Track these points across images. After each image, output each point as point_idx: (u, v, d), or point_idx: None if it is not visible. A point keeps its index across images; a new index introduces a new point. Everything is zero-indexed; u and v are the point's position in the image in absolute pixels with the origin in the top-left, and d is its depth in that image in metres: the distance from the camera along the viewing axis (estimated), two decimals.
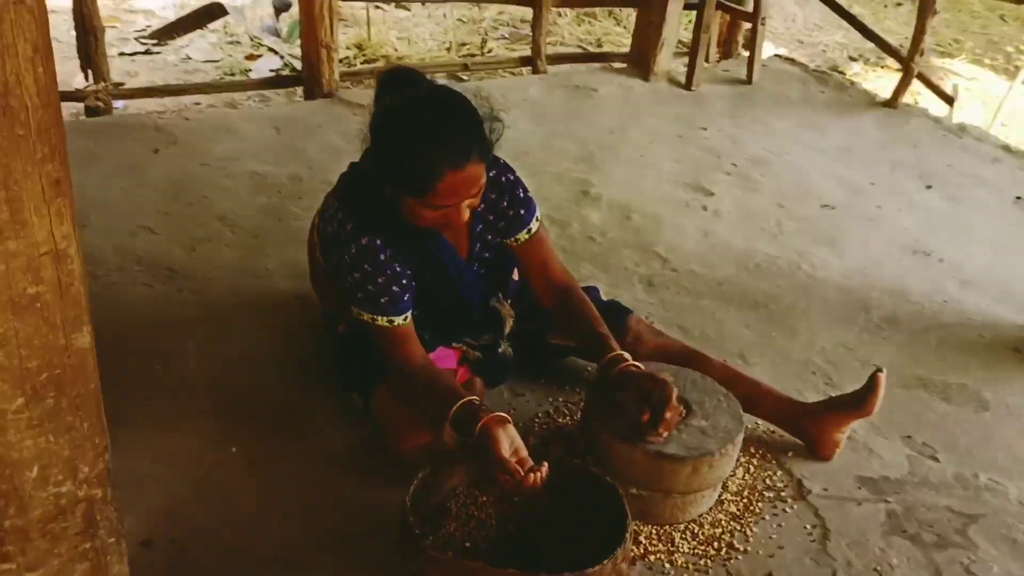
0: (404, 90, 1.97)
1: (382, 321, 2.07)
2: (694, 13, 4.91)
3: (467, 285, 2.27)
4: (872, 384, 2.23)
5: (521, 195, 2.23)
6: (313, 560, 1.94)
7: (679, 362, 2.36)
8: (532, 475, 1.82)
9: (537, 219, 2.27)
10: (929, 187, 3.98)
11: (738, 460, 2.28)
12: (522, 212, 2.23)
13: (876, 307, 3.04)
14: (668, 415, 1.97)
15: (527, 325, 2.46)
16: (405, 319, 2.09)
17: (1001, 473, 2.35)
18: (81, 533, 1.29)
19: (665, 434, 2.00)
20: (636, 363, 2.09)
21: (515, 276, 2.48)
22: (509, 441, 1.87)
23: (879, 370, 2.25)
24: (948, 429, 2.50)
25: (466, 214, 1.98)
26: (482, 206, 2.18)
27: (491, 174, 2.18)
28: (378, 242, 2.03)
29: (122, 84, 4.42)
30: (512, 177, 2.23)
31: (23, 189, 1.06)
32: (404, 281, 2.08)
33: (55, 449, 1.21)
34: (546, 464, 1.86)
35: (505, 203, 2.22)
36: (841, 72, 7.34)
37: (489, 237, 2.26)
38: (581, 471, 1.98)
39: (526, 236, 2.25)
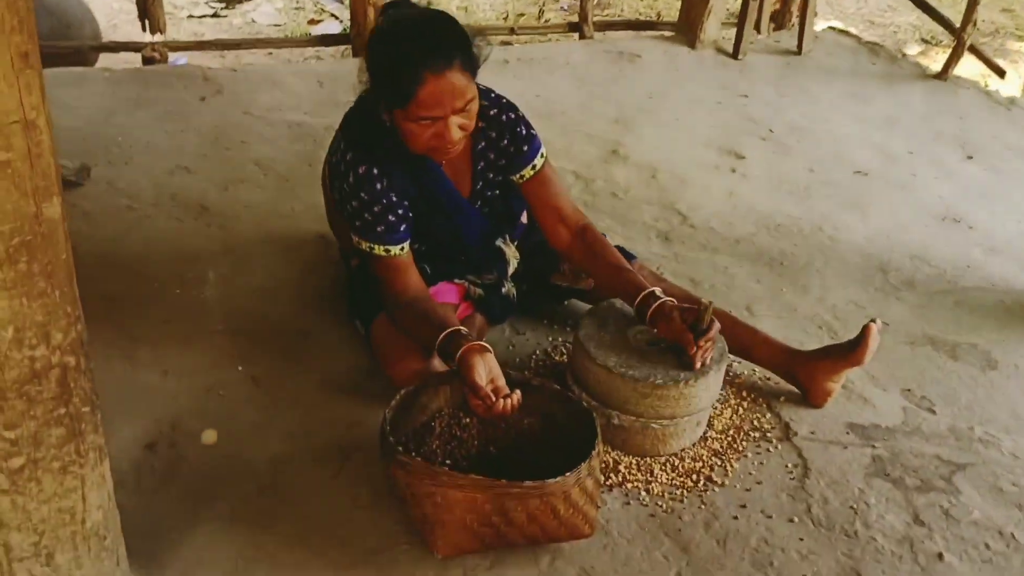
0: (394, 12, 2.05)
1: (379, 250, 2.15)
2: None
3: (467, 222, 2.33)
4: (863, 333, 2.24)
5: (523, 132, 2.28)
6: (306, 472, 2.04)
7: None
8: (502, 401, 1.89)
9: (542, 155, 2.31)
10: (970, 157, 3.90)
11: (726, 400, 2.31)
12: (524, 148, 2.28)
13: (895, 269, 3.02)
14: (709, 337, 2.06)
15: (530, 265, 2.52)
16: (402, 249, 2.17)
17: (999, 428, 2.34)
18: (56, 398, 1.39)
19: (707, 358, 2.08)
20: (670, 297, 2.15)
21: (523, 219, 2.54)
22: (486, 369, 1.94)
23: (872, 320, 2.25)
24: (951, 385, 2.49)
25: (456, 133, 2.01)
26: (483, 144, 2.24)
27: (492, 113, 2.24)
28: (375, 171, 2.11)
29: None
30: (514, 116, 2.28)
31: None
32: (400, 212, 2.15)
33: (28, 313, 1.30)
34: (518, 392, 1.92)
35: (506, 141, 2.27)
36: (904, 54, 7.19)
37: (491, 175, 2.32)
38: (559, 396, 2.03)
39: (531, 172, 2.30)
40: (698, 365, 2.08)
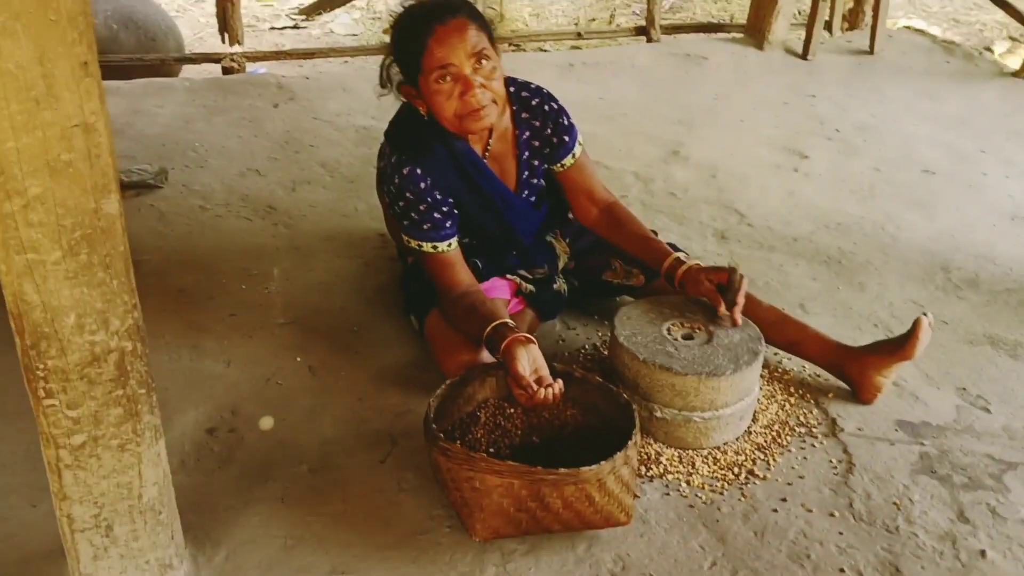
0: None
1: (427, 247, 2.24)
2: None
3: (516, 213, 2.40)
4: (914, 327, 2.22)
5: (565, 122, 2.35)
6: (355, 455, 2.12)
7: None
8: (544, 391, 1.95)
9: (580, 144, 2.40)
10: None
11: (772, 396, 2.32)
12: (566, 139, 2.36)
13: (958, 268, 2.97)
14: (739, 297, 2.17)
15: (582, 263, 2.57)
16: (449, 245, 2.25)
17: None
18: (114, 380, 1.50)
19: (737, 317, 2.19)
20: (697, 260, 2.25)
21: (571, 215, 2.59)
22: (530, 360, 2.00)
23: (924, 314, 2.23)
24: (1008, 384, 2.44)
25: (482, 93, 2.08)
26: (528, 132, 2.31)
27: (534, 103, 2.33)
28: (418, 171, 2.19)
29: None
30: (556, 105, 2.35)
31: (56, 67, 1.27)
32: (445, 209, 2.23)
33: (89, 300, 1.41)
34: (559, 381, 1.98)
35: (549, 130, 2.34)
36: (990, 51, 7.00)
37: (536, 163, 2.38)
38: (602, 388, 2.07)
39: (571, 161, 2.39)
40: (732, 322, 2.17)
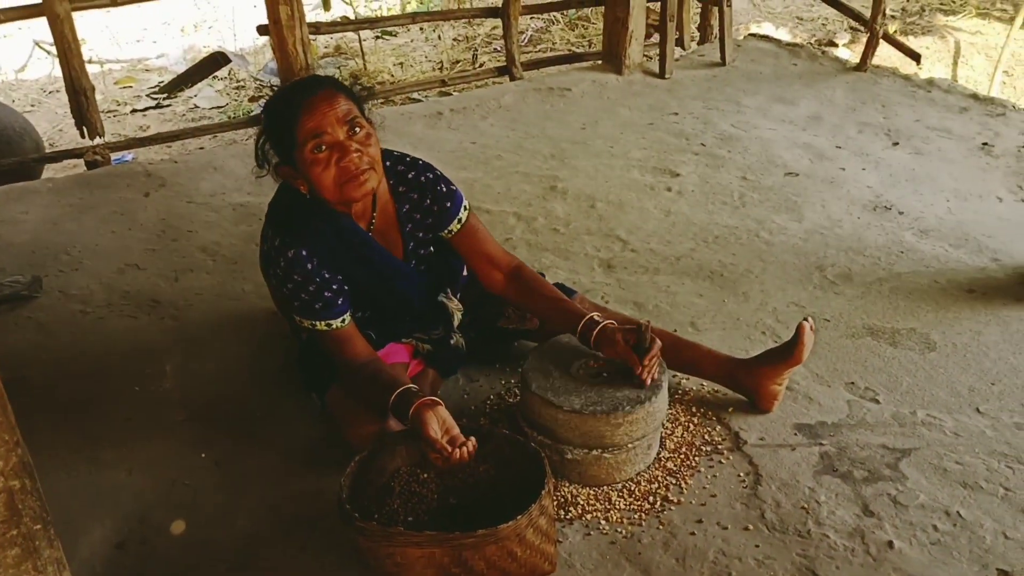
0: None
1: (321, 326, 2.23)
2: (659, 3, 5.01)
3: (406, 282, 2.41)
4: (798, 333, 2.32)
5: (443, 190, 2.36)
6: (274, 546, 2.09)
7: None
8: (458, 450, 1.97)
9: (466, 208, 2.40)
10: (896, 144, 4.02)
11: (676, 419, 2.38)
12: (448, 205, 2.37)
13: (831, 265, 3.11)
14: (653, 354, 2.18)
15: (477, 314, 2.60)
16: (343, 321, 2.24)
17: (940, 408, 2.41)
18: (6, 521, 1.45)
19: (655, 374, 2.20)
20: (611, 320, 2.26)
21: (465, 272, 2.62)
22: (439, 421, 2.01)
23: (805, 319, 2.34)
24: (892, 372, 2.57)
25: (359, 158, 2.10)
26: (407, 206, 2.33)
27: (411, 176, 2.34)
28: (303, 252, 2.18)
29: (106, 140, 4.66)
30: (432, 175, 2.36)
31: None
32: (335, 286, 2.22)
33: None
34: (472, 439, 2.00)
35: (428, 200, 2.35)
36: (835, 44, 7.38)
37: (420, 234, 2.40)
38: (510, 440, 2.10)
39: (458, 226, 2.39)
40: (648, 382, 2.17)
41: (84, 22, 7.59)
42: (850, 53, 7.00)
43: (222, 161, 4.12)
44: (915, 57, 4.81)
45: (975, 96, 4.46)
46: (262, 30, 4.56)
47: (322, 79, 2.18)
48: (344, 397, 2.31)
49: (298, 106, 2.08)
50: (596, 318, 2.26)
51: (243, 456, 2.37)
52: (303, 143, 2.08)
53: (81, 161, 4.39)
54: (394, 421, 2.21)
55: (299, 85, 2.16)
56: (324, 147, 2.09)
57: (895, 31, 7.36)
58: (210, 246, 3.41)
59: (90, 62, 7.65)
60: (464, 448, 1.98)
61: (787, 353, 2.35)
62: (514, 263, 2.43)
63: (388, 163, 2.31)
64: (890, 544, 1.98)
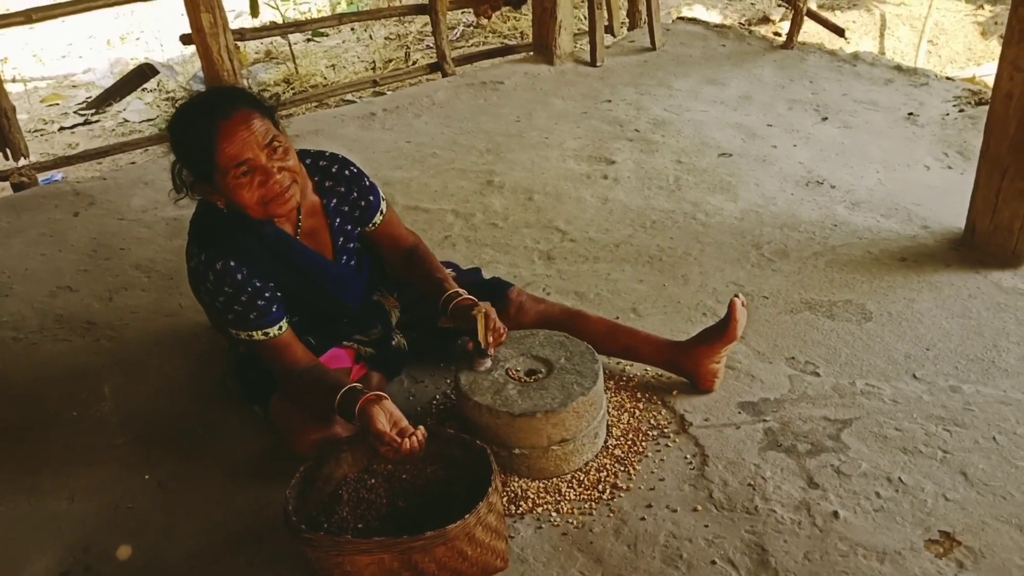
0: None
1: (258, 335, 2.20)
2: None
3: (340, 283, 2.39)
4: (730, 309, 2.34)
5: (367, 183, 2.39)
6: (222, 563, 2.06)
7: (560, 324, 2.48)
8: (407, 440, 1.96)
9: (383, 199, 2.44)
10: (825, 119, 4.08)
11: (622, 405, 2.39)
12: (371, 199, 2.39)
13: (767, 242, 3.15)
14: (490, 337, 2.24)
15: (416, 315, 2.59)
16: (280, 329, 2.21)
17: (878, 377, 2.45)
18: None
19: (491, 352, 2.26)
20: (468, 296, 2.32)
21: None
22: (386, 415, 2.01)
23: (736, 295, 2.36)
24: (831, 344, 2.60)
25: (282, 176, 2.08)
26: (334, 200, 2.32)
27: (334, 170, 2.34)
28: (231, 263, 2.15)
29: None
30: (355, 169, 2.37)
31: None
32: (268, 294, 2.19)
33: None
34: (421, 427, 2.00)
35: (355, 193, 2.36)
36: (771, 21, 7.46)
37: (348, 227, 2.39)
38: (455, 439, 2.09)
39: (380, 219, 2.43)
40: (490, 349, 2.25)
41: (4, 40, 7.42)
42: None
43: (153, 175, 4.04)
44: (839, 32, 4.89)
45: (899, 67, 4.54)
46: (186, 39, 4.49)
47: (232, 96, 2.10)
48: (287, 406, 2.28)
49: (214, 132, 2.01)
50: (459, 292, 2.35)
51: (187, 474, 2.33)
52: (225, 170, 2.04)
53: (7, 184, 4.28)
54: (340, 427, 2.19)
55: (209, 105, 2.06)
56: (247, 172, 2.06)
57: (821, 6, 7.47)
58: (144, 263, 3.35)
59: (12, 80, 7.53)
60: (414, 438, 1.98)
61: (721, 331, 2.37)
62: (411, 243, 2.52)
63: (308, 161, 2.30)
64: (835, 514, 2.01)
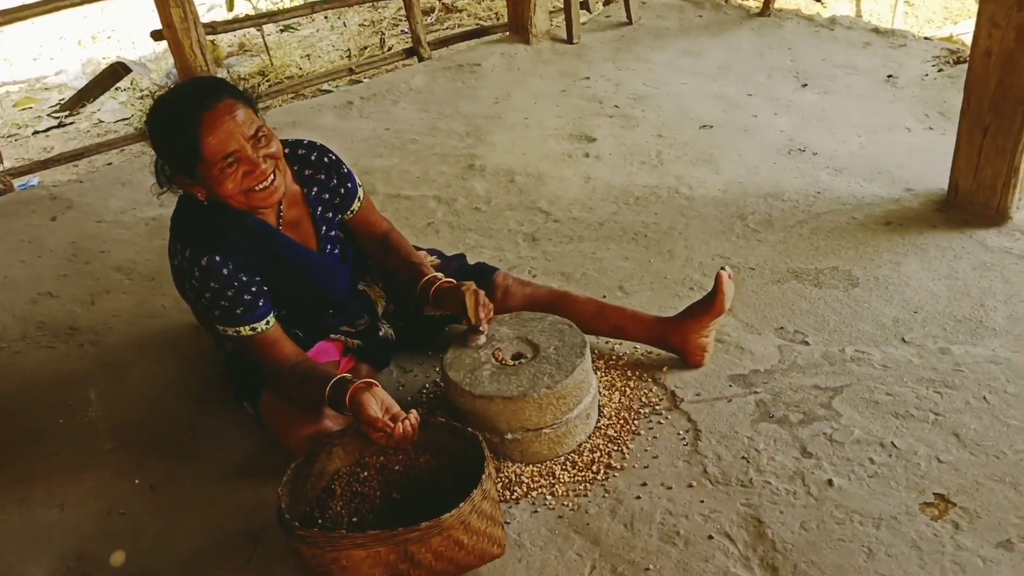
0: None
1: (245, 331, 2.18)
2: None
3: (325, 273, 2.38)
4: (716, 282, 2.33)
5: (345, 170, 2.39)
6: (218, 564, 2.04)
7: (547, 306, 2.47)
8: (400, 425, 1.95)
9: (360, 186, 2.45)
10: (805, 85, 4.06)
11: (612, 384, 2.38)
12: (349, 186, 2.40)
13: (751, 213, 3.13)
14: (481, 313, 2.23)
15: (402, 304, 2.57)
16: (268, 323, 2.19)
17: (868, 342, 2.44)
18: None
19: (484, 328, 2.26)
20: (449, 279, 2.33)
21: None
22: (378, 402, 2.00)
23: (722, 268, 2.34)
24: (819, 313, 2.59)
25: (266, 165, 2.06)
26: (315, 188, 2.30)
27: (313, 157, 2.34)
28: (217, 258, 2.12)
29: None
30: (333, 157, 2.37)
31: None
32: (254, 289, 2.17)
33: None
34: (414, 411, 1.99)
35: (335, 181, 2.36)
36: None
37: (330, 215, 2.37)
38: (446, 427, 2.07)
39: (358, 206, 2.43)
40: (483, 325, 2.26)
41: None
42: None
43: (130, 175, 4.00)
44: None
45: (876, 30, 4.51)
46: (157, 35, 4.43)
47: (214, 86, 2.08)
48: (277, 402, 2.26)
49: (197, 124, 1.98)
50: (438, 277, 2.35)
51: (179, 477, 2.31)
52: (212, 162, 2.02)
53: None
54: (330, 421, 2.18)
55: (192, 95, 2.04)
56: (233, 163, 2.03)
57: None
58: (125, 264, 3.31)
59: None
60: (407, 422, 1.97)
61: (709, 304, 2.36)
62: (384, 230, 2.51)
63: (287, 150, 2.27)
64: (830, 482, 2.01)
